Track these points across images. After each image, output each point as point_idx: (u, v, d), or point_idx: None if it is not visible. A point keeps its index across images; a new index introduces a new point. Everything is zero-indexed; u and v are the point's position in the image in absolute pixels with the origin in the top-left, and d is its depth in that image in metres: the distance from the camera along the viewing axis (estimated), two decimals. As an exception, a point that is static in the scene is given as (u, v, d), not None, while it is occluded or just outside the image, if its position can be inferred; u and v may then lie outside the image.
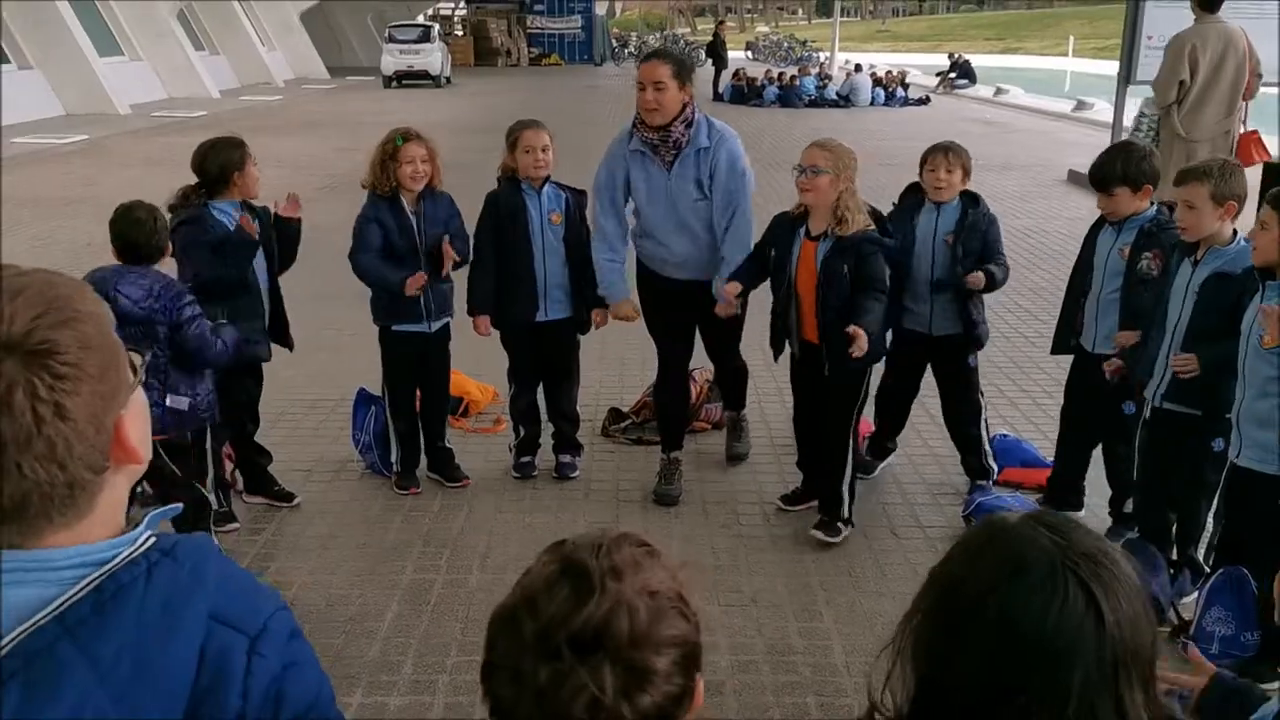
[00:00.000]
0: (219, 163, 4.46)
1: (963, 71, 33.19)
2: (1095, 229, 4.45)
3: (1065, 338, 4.58)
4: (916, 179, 4.86)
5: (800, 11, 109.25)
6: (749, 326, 5.12)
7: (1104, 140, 11.56)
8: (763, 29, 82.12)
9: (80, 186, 13.80)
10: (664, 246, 4.89)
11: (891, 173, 4.91)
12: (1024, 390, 6.25)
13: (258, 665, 1.15)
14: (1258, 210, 3.53)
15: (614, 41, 54.01)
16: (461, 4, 51.20)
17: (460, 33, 45.46)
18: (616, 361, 6.66)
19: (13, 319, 1.05)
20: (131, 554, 1.12)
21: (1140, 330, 4.07)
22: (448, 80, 33.26)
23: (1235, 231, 3.75)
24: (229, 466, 4.82)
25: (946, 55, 37.17)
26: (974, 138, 19.80)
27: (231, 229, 4.42)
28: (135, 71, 25.87)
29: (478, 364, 5.88)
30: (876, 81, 28.08)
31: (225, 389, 4.44)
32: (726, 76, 28.69)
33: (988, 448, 4.98)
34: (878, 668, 1.35)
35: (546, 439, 5.27)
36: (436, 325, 4.91)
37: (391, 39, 33.25)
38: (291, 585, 4.12)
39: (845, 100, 27.13)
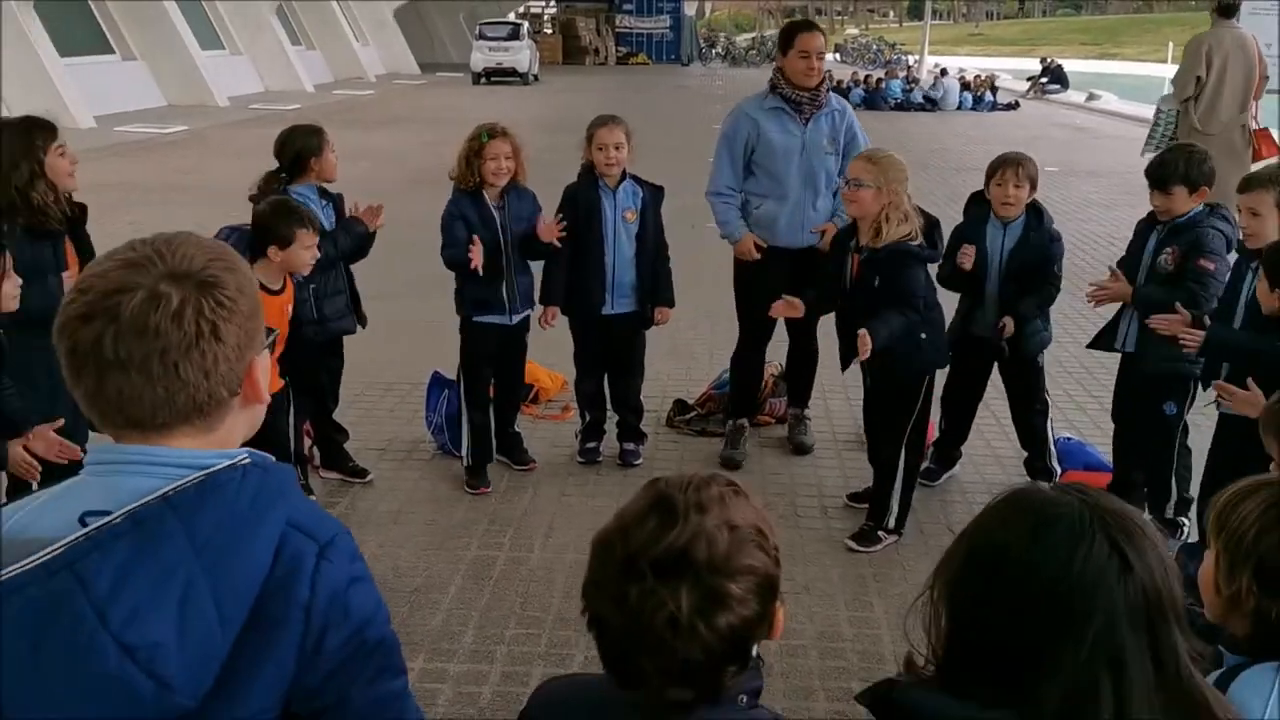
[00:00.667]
0: (297, 148, 4.69)
1: (1054, 76, 32.65)
2: (1143, 231, 4.47)
3: (1107, 335, 4.60)
4: (982, 188, 4.89)
5: (891, 14, 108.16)
6: (824, 319, 5.24)
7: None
8: (852, 31, 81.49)
9: (180, 175, 14.32)
10: (784, 201, 5.19)
11: (975, 178, 4.97)
12: (1092, 395, 6.22)
13: (325, 569, 1.32)
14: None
15: (701, 42, 54.06)
16: (551, 2, 51.71)
17: (549, 31, 45.99)
18: (685, 355, 6.78)
19: (192, 258, 1.33)
20: (232, 463, 1.31)
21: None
22: (535, 78, 33.66)
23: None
24: (307, 442, 5.03)
25: (1039, 60, 36.59)
26: (1061, 143, 19.57)
27: (312, 211, 4.61)
28: (234, 64, 26.68)
29: (548, 352, 6.03)
30: (964, 85, 27.80)
31: (308, 368, 4.65)
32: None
33: (1052, 448, 5.01)
34: (913, 618, 1.45)
35: (611, 427, 5.41)
36: (518, 318, 5.04)
37: (482, 36, 33.75)
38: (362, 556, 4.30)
39: (932, 104, 26.90)
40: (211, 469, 1.29)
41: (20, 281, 3.37)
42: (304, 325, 4.52)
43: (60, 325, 1.31)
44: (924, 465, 5.02)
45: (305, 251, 4.20)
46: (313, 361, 4.74)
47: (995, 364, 5.03)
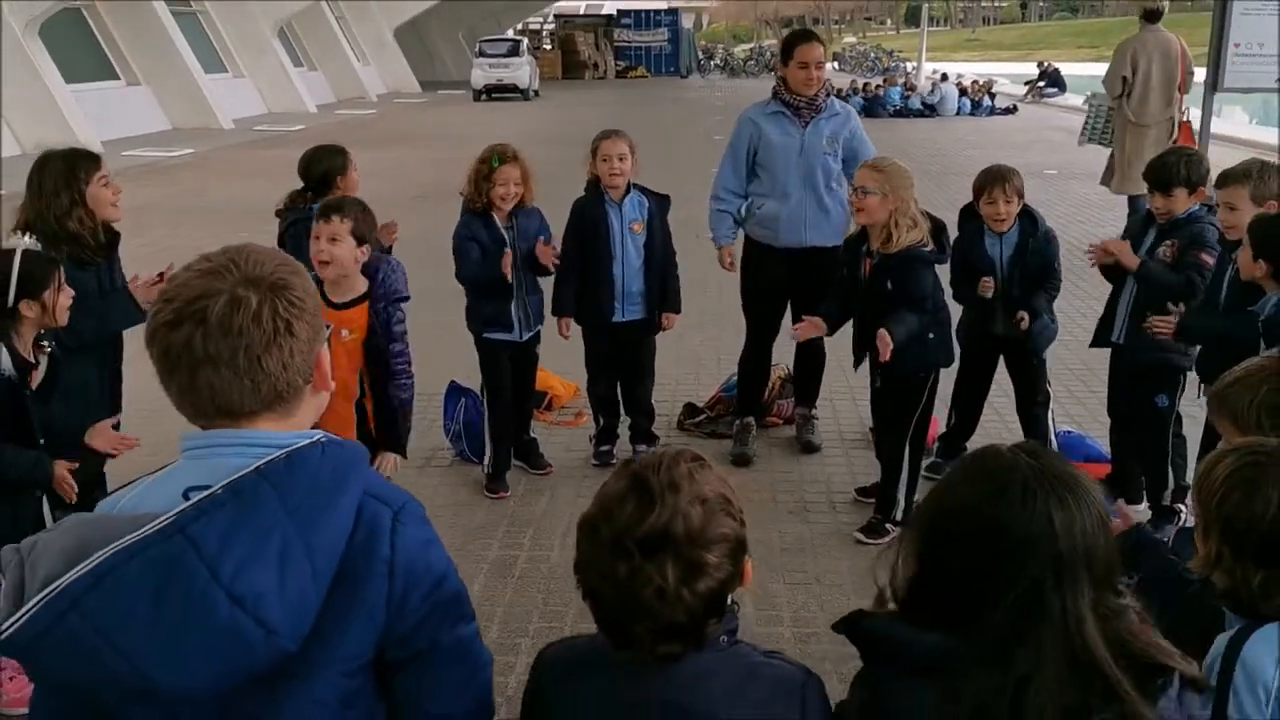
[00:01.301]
0: (323, 168, 4.85)
1: (1052, 80, 32.87)
2: (1139, 229, 4.63)
3: (1104, 332, 4.75)
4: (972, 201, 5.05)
5: (889, 21, 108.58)
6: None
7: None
8: (850, 40, 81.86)
9: (189, 197, 14.52)
10: (786, 200, 5.37)
11: (969, 184, 5.14)
12: (1091, 390, 6.36)
13: (401, 531, 1.51)
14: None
15: (700, 54, 54.38)
16: (550, 19, 52.04)
17: (549, 47, 46.30)
18: (693, 360, 6.93)
19: (262, 264, 1.52)
20: (311, 441, 1.49)
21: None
22: (535, 93, 33.91)
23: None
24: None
25: (1036, 64, 36.80)
26: (1059, 146, 19.70)
27: None
28: (237, 87, 26.91)
29: (561, 360, 6.19)
30: (962, 91, 28.01)
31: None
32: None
33: (1053, 439, 5.16)
34: (882, 561, 1.68)
35: (624, 430, 5.56)
36: (528, 335, 5.19)
37: (482, 53, 34.02)
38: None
39: (931, 110, 27.10)
40: (294, 446, 1.47)
41: (73, 294, 3.54)
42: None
43: (151, 332, 1.49)
44: (931, 459, 5.19)
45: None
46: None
47: (1000, 359, 5.20)
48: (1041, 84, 32.76)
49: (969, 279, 5.00)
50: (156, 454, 1.65)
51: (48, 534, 1.45)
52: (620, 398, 5.55)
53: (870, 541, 4.64)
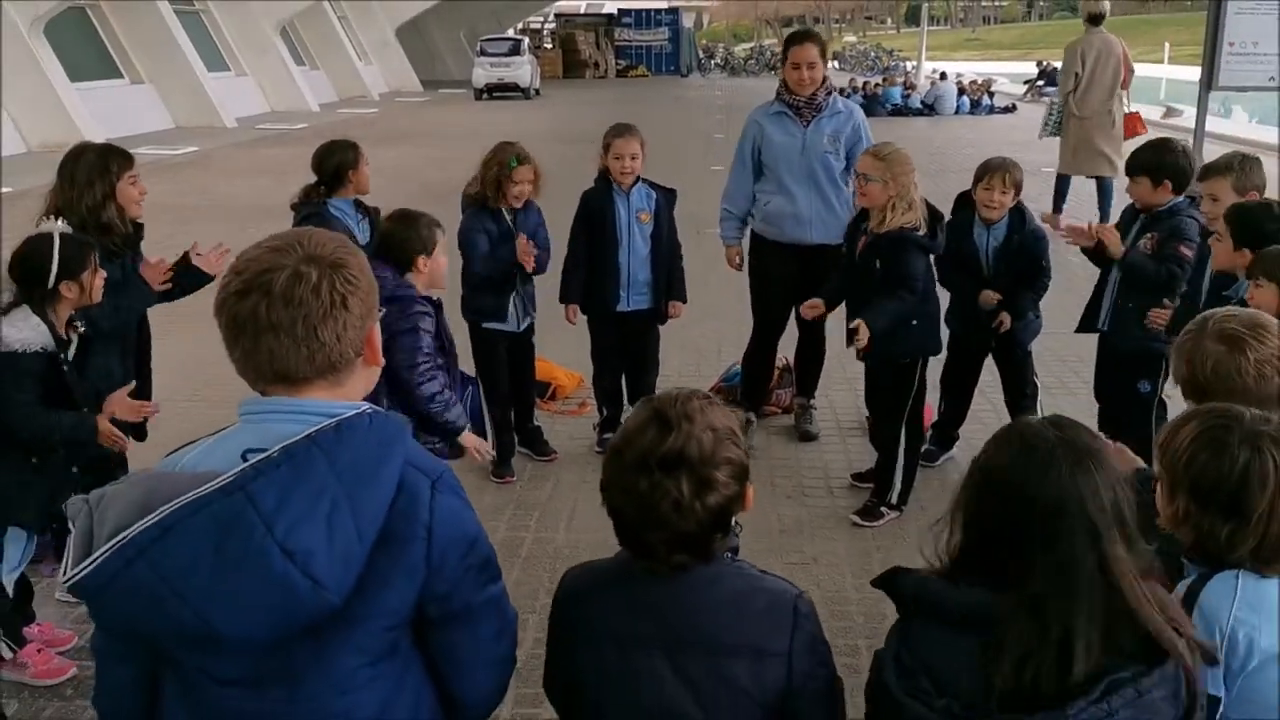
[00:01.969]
0: (335, 162, 4.98)
1: (1051, 79, 32.89)
2: (1125, 221, 4.77)
3: (1089, 319, 4.90)
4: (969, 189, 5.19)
5: (889, 21, 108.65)
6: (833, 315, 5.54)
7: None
8: (850, 39, 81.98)
9: (194, 195, 14.64)
10: (790, 198, 5.48)
11: (969, 180, 5.27)
12: (1084, 380, 6.46)
13: (439, 499, 1.66)
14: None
15: (700, 53, 54.49)
16: (551, 18, 52.16)
17: (549, 46, 46.40)
18: (695, 350, 7.07)
19: (323, 244, 1.67)
20: (359, 412, 1.63)
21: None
22: (536, 92, 34.02)
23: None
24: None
25: (1035, 63, 36.92)
26: (1057, 144, 19.82)
27: (348, 225, 4.91)
28: (240, 86, 27.05)
29: (566, 352, 6.33)
30: (961, 90, 28.13)
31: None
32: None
33: (1044, 429, 5.30)
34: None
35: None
36: (524, 325, 5.33)
37: (483, 52, 34.10)
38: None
39: (929, 109, 27.23)
40: (343, 416, 1.60)
41: (105, 275, 3.69)
42: None
43: (220, 301, 1.63)
44: (924, 447, 5.32)
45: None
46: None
47: (990, 350, 5.34)
48: (1040, 83, 32.79)
49: (956, 267, 5.12)
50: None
51: (115, 486, 1.59)
52: (625, 388, 5.69)
53: (865, 524, 4.78)
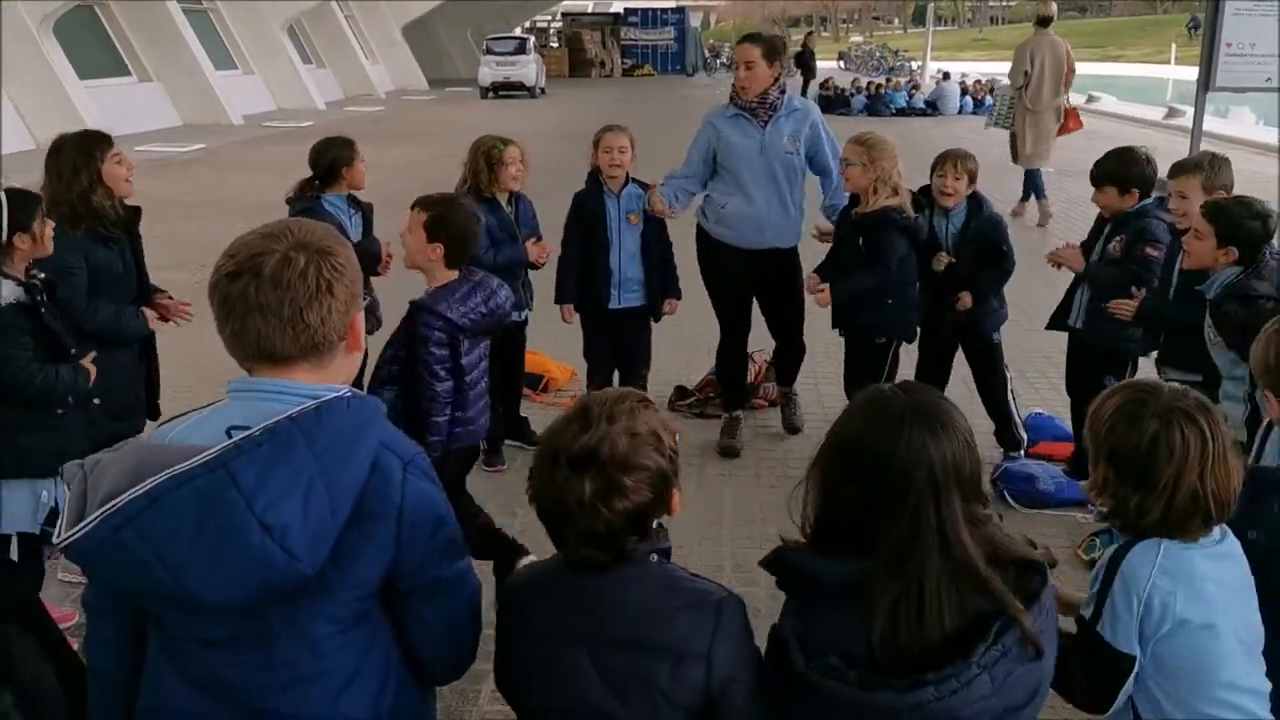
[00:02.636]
0: (330, 159, 5.10)
1: (1055, 80, 33.04)
2: (1100, 221, 4.90)
3: (1060, 316, 5.03)
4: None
5: (896, 21, 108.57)
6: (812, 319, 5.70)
7: (1186, 147, 11.83)
8: (857, 39, 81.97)
9: (201, 191, 14.82)
10: (749, 199, 5.48)
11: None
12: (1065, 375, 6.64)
13: (410, 480, 1.77)
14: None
15: (706, 52, 54.57)
16: (557, 17, 52.30)
17: (555, 45, 46.54)
18: (688, 346, 7.18)
19: (312, 232, 1.78)
20: (338, 395, 1.73)
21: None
22: (542, 91, 34.17)
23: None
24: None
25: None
26: (1058, 145, 19.89)
27: (340, 219, 5.04)
28: (247, 84, 27.21)
29: (558, 347, 6.46)
30: (965, 90, 28.21)
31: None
32: (815, 86, 29.07)
33: (1017, 419, 5.44)
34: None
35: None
36: (523, 315, 5.48)
37: (489, 51, 34.24)
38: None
39: (933, 108, 27.32)
40: (323, 399, 1.71)
41: (53, 224, 3.78)
42: None
43: (213, 283, 1.74)
44: None
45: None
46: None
47: (959, 343, 5.46)
48: (1045, 84, 32.91)
49: (921, 257, 5.23)
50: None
51: (109, 454, 1.71)
52: (617, 384, 5.82)
53: None
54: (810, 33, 39.03)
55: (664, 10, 49.24)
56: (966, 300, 5.17)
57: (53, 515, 3.92)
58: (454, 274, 3.82)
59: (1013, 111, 12.91)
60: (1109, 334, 4.61)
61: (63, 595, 4.11)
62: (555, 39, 48.64)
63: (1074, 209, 12.99)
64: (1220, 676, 2.07)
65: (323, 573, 1.67)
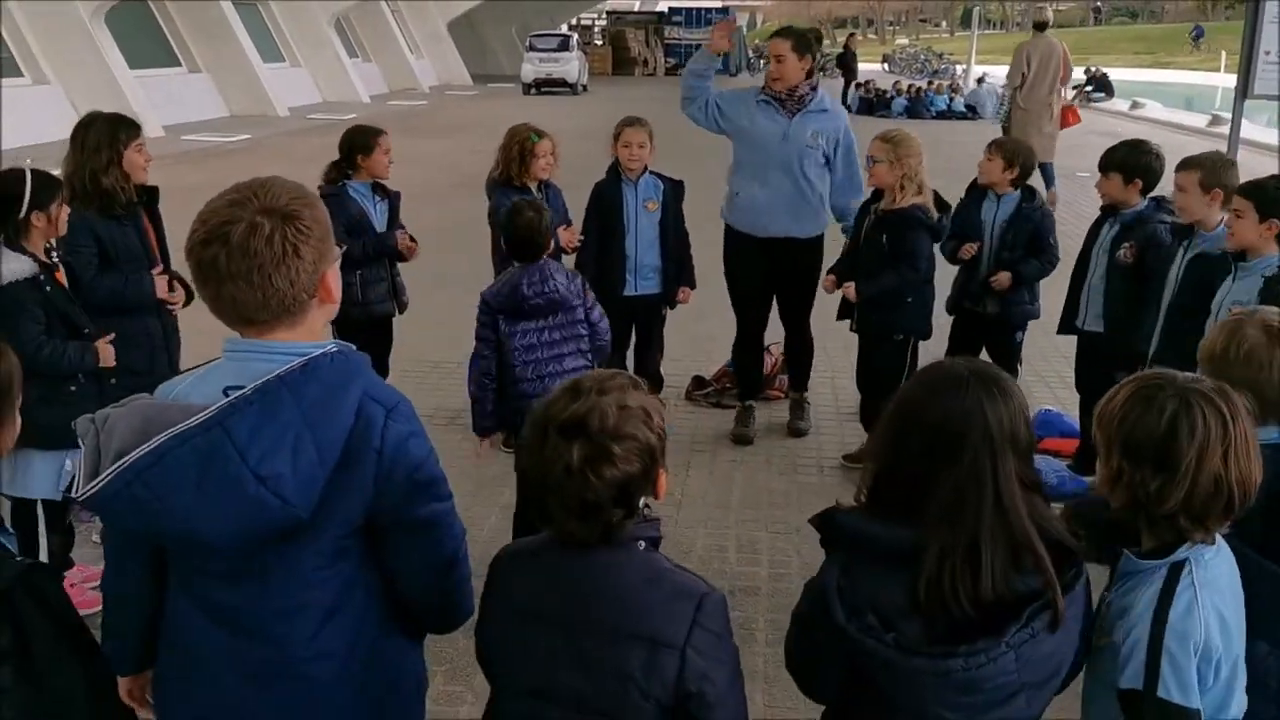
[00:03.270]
0: (349, 144, 5.25)
1: (1099, 85, 32.81)
2: (1098, 222, 5.01)
3: (1069, 319, 5.13)
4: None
5: (944, 24, 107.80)
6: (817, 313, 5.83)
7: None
8: (902, 41, 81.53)
9: (244, 180, 15.11)
10: (765, 185, 5.59)
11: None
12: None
13: (390, 427, 1.90)
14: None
15: (751, 52, 54.42)
16: (602, 15, 52.48)
17: (599, 43, 46.70)
18: (706, 339, 7.33)
19: (279, 196, 1.86)
20: (324, 351, 1.87)
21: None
22: (584, 88, 34.32)
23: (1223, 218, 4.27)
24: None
25: (1084, 69, 36.70)
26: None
27: (365, 206, 5.21)
28: (294, 76, 27.61)
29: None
30: (1008, 94, 28.10)
31: (357, 345, 5.24)
32: (854, 87, 29.07)
33: (1022, 411, 5.55)
34: (800, 447, 2.04)
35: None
36: None
37: (532, 48, 34.44)
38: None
39: (973, 112, 27.25)
40: (309, 355, 1.85)
41: (69, 210, 3.97)
42: (349, 307, 5.09)
43: (189, 248, 1.88)
44: None
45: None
46: (360, 339, 5.33)
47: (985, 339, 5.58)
48: (1089, 89, 32.68)
49: (962, 240, 5.40)
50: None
51: (116, 409, 1.87)
52: (631, 366, 5.98)
53: (855, 467, 5.05)
54: (852, 34, 39.00)
55: (708, 10, 49.22)
56: (1004, 279, 5.27)
57: (74, 485, 4.15)
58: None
59: (1011, 108, 13.76)
60: (1116, 332, 4.71)
61: (95, 557, 4.33)
62: (599, 37, 48.80)
63: (1064, 209, 13.01)
64: (1232, 712, 2.04)
65: (314, 515, 1.83)
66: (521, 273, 4.13)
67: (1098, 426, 2.10)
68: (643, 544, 1.94)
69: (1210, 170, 4.24)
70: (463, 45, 39.70)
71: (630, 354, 5.95)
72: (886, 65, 49.91)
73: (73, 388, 3.88)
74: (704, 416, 6.17)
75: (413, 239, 5.38)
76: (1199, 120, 24.98)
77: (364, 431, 1.86)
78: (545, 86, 33.35)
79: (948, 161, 15.55)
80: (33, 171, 3.87)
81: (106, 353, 3.94)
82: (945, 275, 5.54)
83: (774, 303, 5.94)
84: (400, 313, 5.59)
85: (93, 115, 4.44)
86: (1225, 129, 24.99)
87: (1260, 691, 2.16)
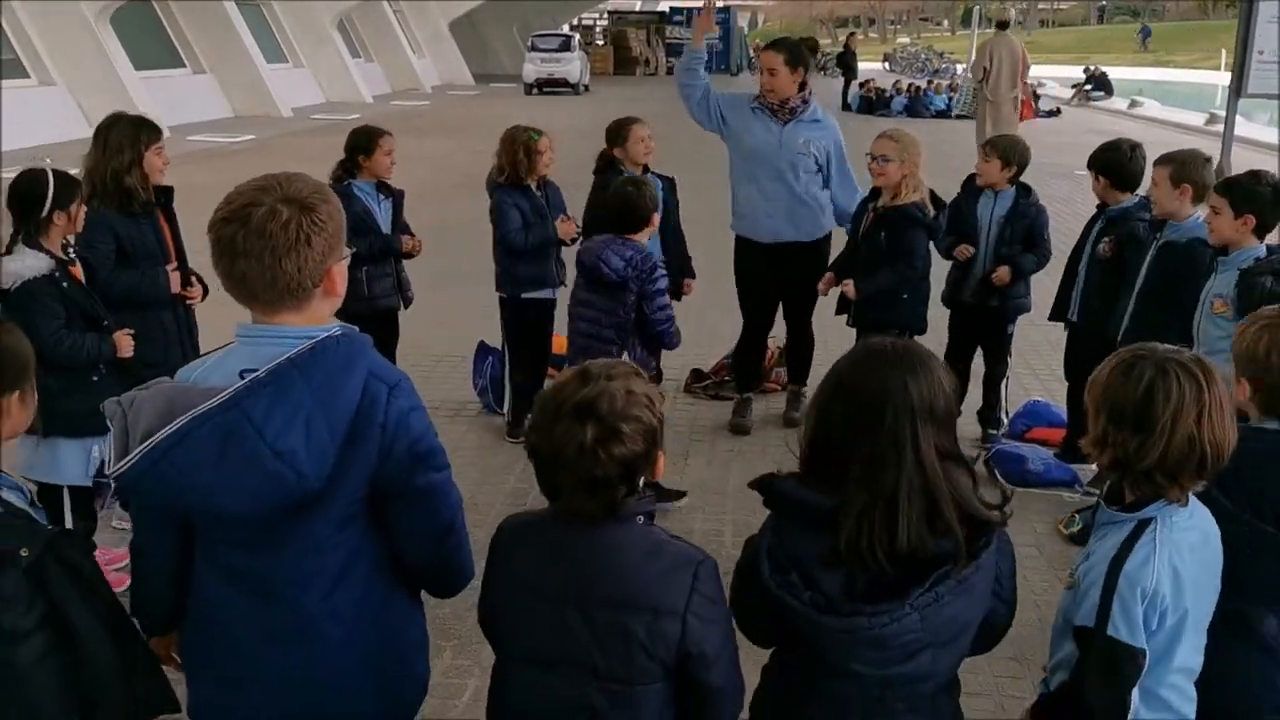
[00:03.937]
0: (352, 144, 5.42)
1: (1098, 84, 32.96)
2: (1092, 219, 5.18)
3: (1060, 308, 5.30)
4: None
5: (945, 23, 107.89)
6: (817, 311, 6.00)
7: (1218, 151, 11.99)
8: (903, 40, 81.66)
9: (247, 180, 15.26)
10: (761, 192, 5.77)
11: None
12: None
13: (393, 403, 2.05)
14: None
15: (752, 52, 54.59)
16: (603, 15, 52.60)
17: (601, 43, 46.81)
18: (709, 335, 7.48)
19: (301, 189, 2.00)
20: (330, 334, 2.02)
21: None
22: (585, 88, 34.44)
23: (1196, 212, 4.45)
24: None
25: (1083, 69, 36.85)
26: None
27: (368, 205, 5.36)
28: (297, 77, 27.76)
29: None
30: (1007, 93, 28.23)
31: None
32: (855, 86, 29.22)
33: (1004, 404, 5.72)
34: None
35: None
36: (557, 291, 5.82)
37: (534, 48, 34.51)
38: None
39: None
40: (316, 339, 2.00)
41: (86, 209, 4.13)
42: (354, 302, 5.20)
43: (211, 223, 2.01)
44: None
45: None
46: (366, 332, 5.45)
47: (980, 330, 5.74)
48: (1088, 87, 32.85)
49: (959, 237, 5.57)
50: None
51: (142, 392, 2.01)
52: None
53: None
54: (852, 34, 39.21)
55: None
56: (1004, 274, 5.44)
57: (103, 469, 4.32)
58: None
59: (975, 102, 15.56)
60: (1102, 324, 4.89)
61: (117, 540, 4.49)
62: (601, 37, 48.94)
63: (1063, 206, 13.15)
64: (1177, 661, 2.19)
65: (326, 485, 1.99)
66: (596, 240, 4.55)
67: (1088, 394, 2.28)
68: (641, 518, 2.09)
69: (1180, 166, 4.41)
70: (465, 45, 39.82)
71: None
72: (887, 64, 50.01)
73: (94, 378, 4.05)
74: (703, 408, 6.32)
75: (412, 234, 5.57)
76: (1197, 119, 25.11)
77: (369, 408, 2.00)
78: (547, 86, 33.46)
79: (948, 160, 15.77)
80: (54, 171, 4.03)
81: (124, 343, 4.11)
82: (939, 270, 5.70)
83: (779, 304, 6.11)
84: (405, 307, 5.75)
85: (116, 116, 4.60)
86: (1221, 127, 25.02)
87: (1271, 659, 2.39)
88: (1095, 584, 2.17)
